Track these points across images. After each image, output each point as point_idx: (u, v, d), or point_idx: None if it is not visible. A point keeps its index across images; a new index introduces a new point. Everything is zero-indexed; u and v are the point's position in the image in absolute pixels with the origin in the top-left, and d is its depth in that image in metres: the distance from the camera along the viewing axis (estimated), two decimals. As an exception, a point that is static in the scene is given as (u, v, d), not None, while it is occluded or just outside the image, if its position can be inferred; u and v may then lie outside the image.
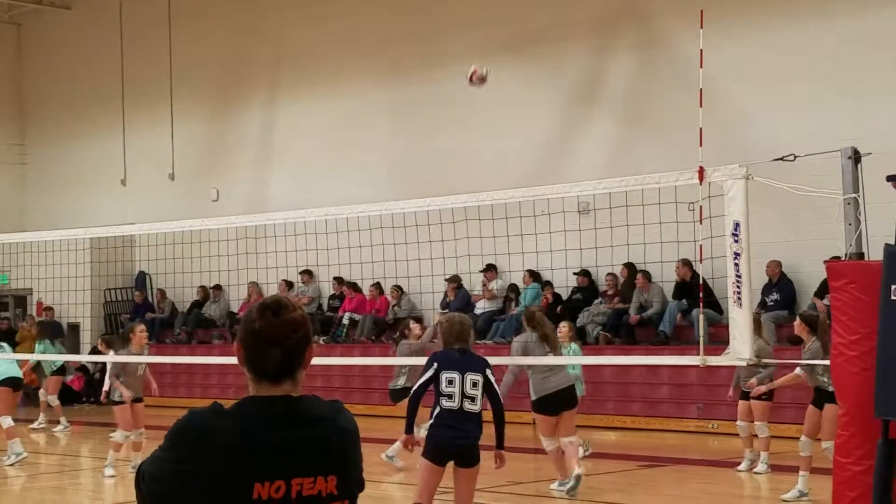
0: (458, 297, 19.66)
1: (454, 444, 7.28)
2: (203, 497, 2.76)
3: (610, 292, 18.25)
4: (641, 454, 14.39)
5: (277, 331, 2.88)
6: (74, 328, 24.22)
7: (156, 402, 22.20)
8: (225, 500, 2.76)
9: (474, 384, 7.33)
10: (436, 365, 7.37)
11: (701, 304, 9.03)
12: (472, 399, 7.32)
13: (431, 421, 7.37)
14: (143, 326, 13.60)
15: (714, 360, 7.99)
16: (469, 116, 20.12)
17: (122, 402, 13.09)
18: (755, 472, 12.45)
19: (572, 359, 12.24)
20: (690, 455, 14.53)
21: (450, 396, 7.25)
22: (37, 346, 17.95)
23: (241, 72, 23.60)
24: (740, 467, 12.67)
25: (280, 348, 2.88)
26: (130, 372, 13.18)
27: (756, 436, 12.56)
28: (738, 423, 12.65)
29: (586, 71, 19.18)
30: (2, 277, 25.29)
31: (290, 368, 2.90)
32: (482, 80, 10.43)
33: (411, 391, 7.59)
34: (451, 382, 7.26)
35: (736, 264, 7.16)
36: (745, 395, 12.44)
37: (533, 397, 11.18)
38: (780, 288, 16.72)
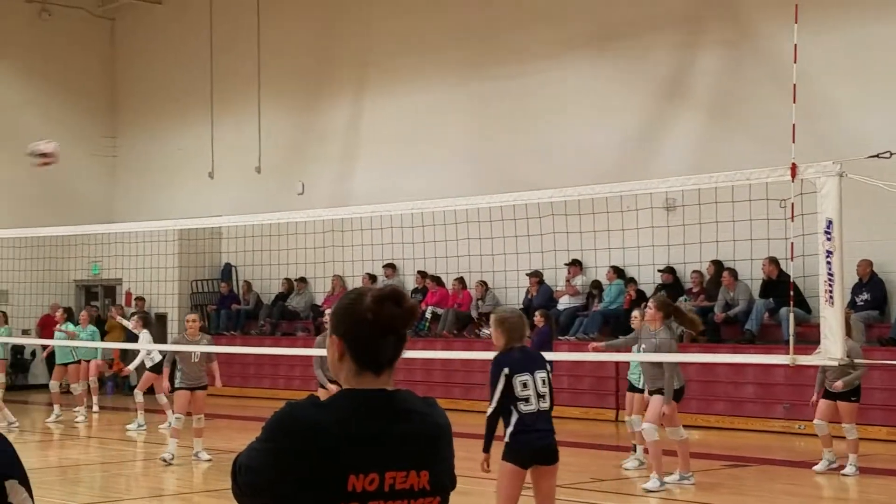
0: (541, 293, 19.61)
1: (538, 444, 7.19)
2: (299, 488, 2.78)
3: (695, 290, 18.07)
4: (725, 454, 14.24)
5: (399, 320, 2.90)
6: (162, 318, 24.65)
7: (241, 393, 22.58)
8: (320, 491, 2.78)
9: (543, 382, 7.24)
10: (507, 370, 7.18)
11: (791, 303, 8.90)
12: (544, 397, 7.23)
13: (511, 428, 7.18)
14: (194, 316, 13.87)
15: (804, 360, 7.88)
16: (554, 111, 20.06)
17: (181, 388, 13.37)
18: (843, 475, 12.25)
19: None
20: (775, 455, 14.34)
21: (526, 400, 7.14)
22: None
23: (327, 66, 23.81)
24: (817, 467, 12.48)
25: (396, 337, 2.91)
26: (185, 359, 13.49)
27: (833, 436, 12.36)
28: (816, 421, 12.42)
29: (673, 65, 19.00)
30: (93, 268, 25.83)
31: (396, 357, 2.93)
32: (45, 157, 10.77)
33: (492, 409, 7.22)
34: (525, 385, 7.15)
35: (828, 262, 7.06)
36: (829, 395, 12.24)
37: (677, 386, 11.41)
38: (870, 288, 16.42)
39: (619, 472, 12.97)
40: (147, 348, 16.98)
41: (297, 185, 23.92)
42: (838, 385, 11.95)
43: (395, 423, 2.86)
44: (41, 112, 26.40)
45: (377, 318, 2.88)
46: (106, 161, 27.73)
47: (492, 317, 7.48)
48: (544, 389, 7.21)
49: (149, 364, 17.06)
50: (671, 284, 18.30)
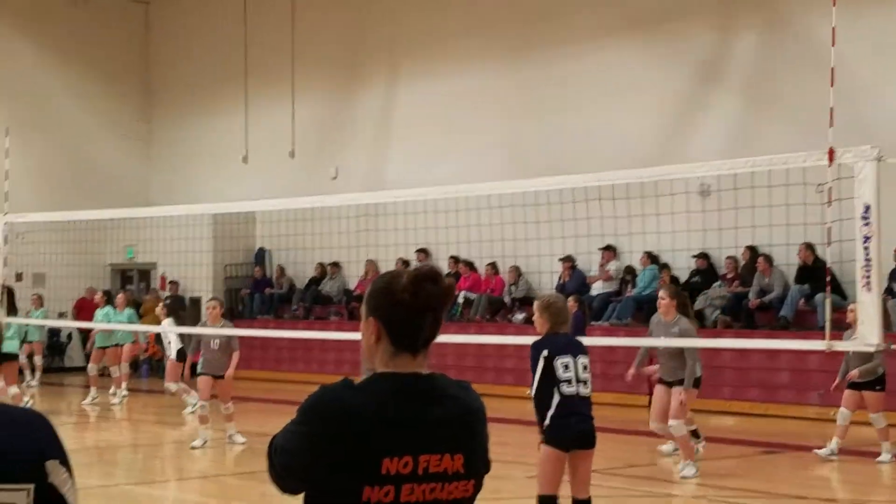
0: (573, 278, 19.56)
1: (579, 428, 7.18)
2: (333, 471, 2.79)
3: (730, 276, 17.96)
4: (760, 440, 14.17)
5: (436, 299, 2.89)
6: (196, 302, 24.79)
7: (274, 377, 22.69)
8: (354, 473, 2.78)
9: (585, 367, 7.23)
10: (546, 352, 7.17)
11: (828, 288, 8.84)
12: (585, 382, 7.22)
13: (552, 411, 7.15)
14: (214, 302, 13.51)
15: (841, 346, 7.82)
16: (589, 95, 19.97)
17: (202, 374, 13.25)
18: (878, 461, 12.16)
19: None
20: (810, 442, 14.25)
21: (569, 381, 7.13)
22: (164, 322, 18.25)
23: (361, 50, 23.81)
24: (820, 451, 12.35)
25: (434, 316, 2.90)
26: (206, 345, 13.37)
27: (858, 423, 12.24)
28: (841, 410, 12.31)
29: (710, 49, 18.87)
30: (128, 251, 26.01)
31: (432, 337, 2.93)
32: None
33: (534, 391, 7.21)
34: (566, 367, 7.14)
35: (866, 248, 6.99)
36: (855, 385, 12.11)
37: (698, 373, 11.28)
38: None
39: (653, 458, 12.93)
40: (171, 330, 16.96)
41: (331, 170, 23.96)
42: (854, 374, 11.82)
43: (429, 407, 2.86)
44: (77, 97, 26.58)
45: (415, 298, 2.87)
46: (140, 145, 27.88)
47: (536, 302, 7.45)
48: (585, 375, 7.21)
49: (171, 354, 17.03)
50: (705, 270, 18.21)
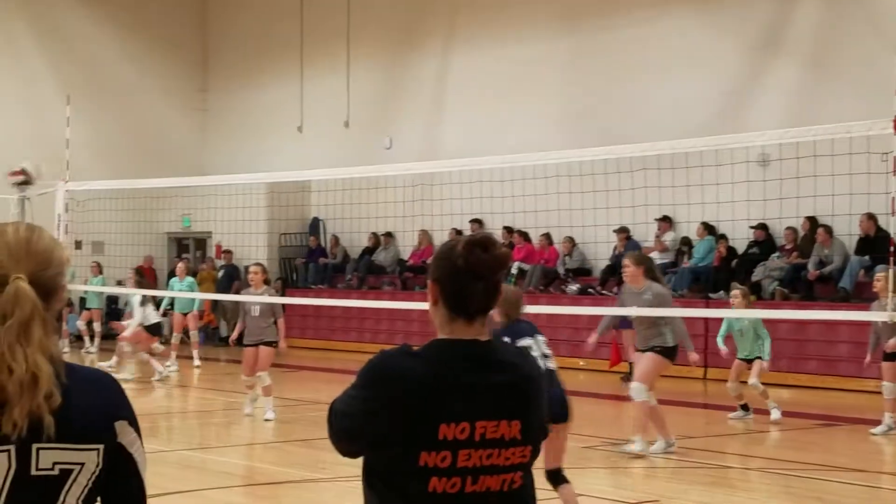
0: (628, 249, 19.42)
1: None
2: (391, 435, 2.81)
3: (788, 247, 17.75)
4: (817, 412, 14.03)
5: (486, 266, 2.89)
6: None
7: (328, 346, 22.82)
8: (412, 438, 2.80)
9: (545, 343, 7.47)
10: (508, 339, 7.03)
11: (892, 259, 8.69)
12: (549, 357, 7.45)
13: None
14: (257, 267, 13.08)
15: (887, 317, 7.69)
16: (647, 63, 19.77)
17: (245, 345, 12.85)
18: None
19: (741, 312, 11.93)
20: (868, 415, 14.09)
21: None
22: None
23: (417, 19, 23.73)
24: (876, 430, 12.10)
25: (485, 283, 2.90)
26: (246, 313, 12.91)
27: None
28: (884, 383, 12.06)
29: (770, 16, 18.58)
30: (184, 220, 26.23)
31: (487, 306, 2.92)
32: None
33: None
34: (530, 348, 7.30)
35: (931, 217, 6.86)
36: (890, 356, 11.85)
37: (671, 343, 10.59)
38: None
39: (706, 430, 12.85)
40: (180, 296, 17.00)
41: (385, 140, 23.96)
42: (891, 344, 11.56)
43: (486, 373, 2.87)
44: (135, 66, 26.77)
45: (466, 264, 2.88)
46: (197, 114, 28.06)
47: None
48: (548, 350, 7.45)
49: (146, 323, 17.06)
50: (763, 241, 18.01)
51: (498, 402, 2.85)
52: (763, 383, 13.00)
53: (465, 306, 2.90)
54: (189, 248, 27.09)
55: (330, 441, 2.94)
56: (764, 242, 17.96)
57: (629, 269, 10.31)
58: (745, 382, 12.89)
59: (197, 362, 19.21)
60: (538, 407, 2.95)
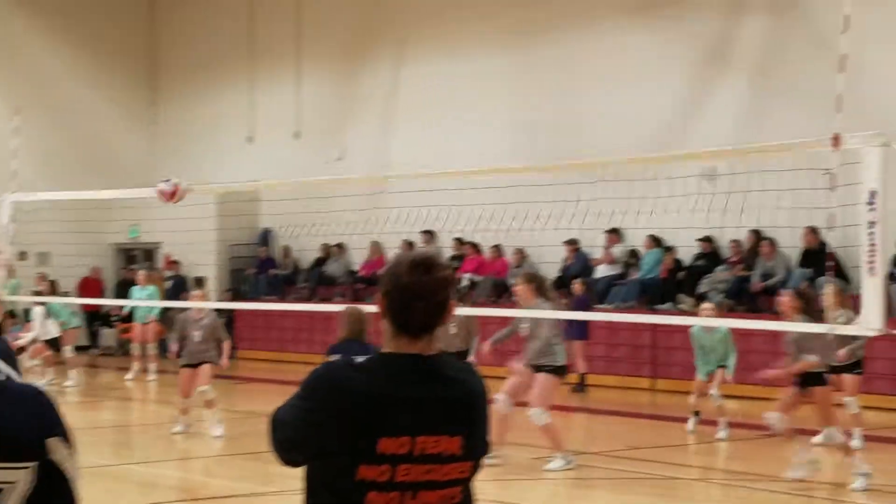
0: (577, 260, 19.57)
1: None
2: (332, 447, 2.82)
3: (734, 259, 17.98)
4: (762, 423, 14.20)
5: (426, 288, 2.89)
6: (200, 282, 24.83)
7: (279, 358, 22.74)
8: (352, 451, 2.81)
9: None
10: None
11: (831, 273, 8.86)
12: None
13: None
14: (201, 293, 13.02)
15: (843, 330, 7.84)
16: (595, 77, 19.94)
17: (183, 367, 12.72)
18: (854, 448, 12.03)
19: (688, 320, 12.02)
20: (814, 425, 14.28)
21: None
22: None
23: (367, 31, 23.76)
24: (816, 438, 12.14)
25: (425, 304, 2.90)
26: (188, 339, 12.71)
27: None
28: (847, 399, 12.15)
29: (717, 32, 18.82)
30: (132, 231, 26.04)
31: (430, 325, 2.92)
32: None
33: None
34: None
35: (871, 233, 7.01)
36: (833, 368, 11.92)
37: (560, 363, 10.62)
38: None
39: (655, 440, 12.98)
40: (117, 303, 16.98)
41: (336, 151, 23.95)
42: (842, 354, 11.69)
43: (428, 388, 2.88)
44: (82, 77, 26.56)
45: (407, 284, 2.89)
46: (145, 125, 27.88)
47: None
48: None
49: (44, 337, 16.96)
50: (709, 253, 18.22)
51: (440, 418, 2.86)
52: (703, 393, 13.09)
53: (407, 324, 2.90)
54: (137, 260, 26.89)
55: (271, 450, 2.96)
56: (710, 255, 18.18)
57: (518, 288, 10.38)
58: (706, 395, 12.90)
59: (152, 376, 19.01)
60: (481, 423, 2.96)
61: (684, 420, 13.43)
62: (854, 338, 10.72)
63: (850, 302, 11.58)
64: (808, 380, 9.57)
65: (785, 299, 9.96)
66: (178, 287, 23.85)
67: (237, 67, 25.36)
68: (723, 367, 12.83)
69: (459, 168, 14.31)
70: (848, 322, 10.55)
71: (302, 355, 22.27)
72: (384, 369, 2.88)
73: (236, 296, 24.16)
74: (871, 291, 7.10)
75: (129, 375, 18.78)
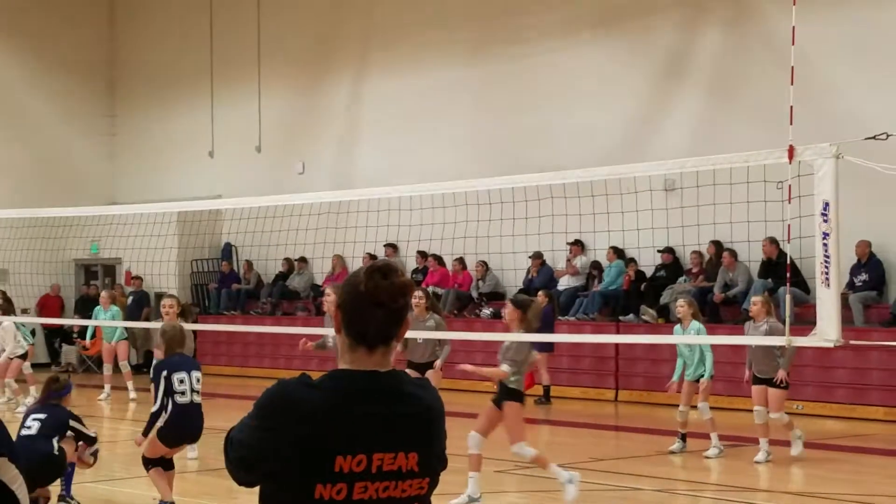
0: (541, 273, 19.67)
1: (190, 430, 9.17)
2: (286, 466, 2.81)
3: (695, 270, 18.11)
4: (724, 433, 14.29)
5: (385, 293, 2.87)
6: (161, 298, 24.68)
7: (242, 373, 22.63)
8: (308, 470, 2.80)
9: (197, 380, 9.08)
10: (165, 372, 8.96)
11: (788, 284, 8.94)
12: (197, 392, 9.10)
13: (166, 416, 8.94)
14: (170, 300, 12.39)
15: (801, 341, 7.91)
16: (555, 92, 20.05)
17: None
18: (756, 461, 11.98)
19: (437, 333, 12.13)
20: (774, 436, 14.39)
21: (182, 393, 8.95)
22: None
23: (328, 46, 23.76)
24: (757, 457, 11.94)
25: (384, 311, 2.87)
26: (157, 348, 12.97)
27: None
28: (756, 408, 12.06)
29: (675, 46, 18.98)
30: (92, 247, 25.86)
31: (388, 335, 2.90)
32: None
33: (157, 406, 8.97)
34: (181, 381, 8.96)
35: (825, 244, 7.08)
36: (759, 380, 11.93)
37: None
38: (869, 268, 16.45)
39: (617, 452, 13.02)
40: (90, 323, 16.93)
41: (298, 165, 23.91)
42: (781, 375, 11.62)
43: (384, 405, 2.86)
44: (41, 92, 26.38)
45: (365, 290, 2.87)
46: (105, 140, 27.72)
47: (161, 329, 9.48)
48: (198, 386, 9.08)
49: (19, 352, 16.93)
50: (670, 265, 18.35)
51: (396, 434, 2.85)
52: (664, 404, 13.07)
53: (364, 334, 2.88)
54: (98, 275, 26.70)
55: (227, 469, 2.93)
56: (671, 266, 18.31)
57: (508, 310, 9.97)
58: (695, 407, 12.76)
59: (133, 394, 18.72)
60: (438, 438, 2.95)
61: (648, 431, 13.46)
62: (781, 349, 10.61)
63: (776, 312, 11.60)
64: (503, 394, 9.28)
65: (507, 310, 9.67)
66: (140, 303, 23.71)
67: (198, 82, 25.28)
68: (702, 376, 12.56)
69: (421, 182, 14.33)
70: (771, 332, 10.62)
71: (266, 370, 22.20)
72: (338, 386, 2.86)
73: (199, 311, 24.03)
74: (827, 302, 7.17)
75: (102, 396, 18.65)
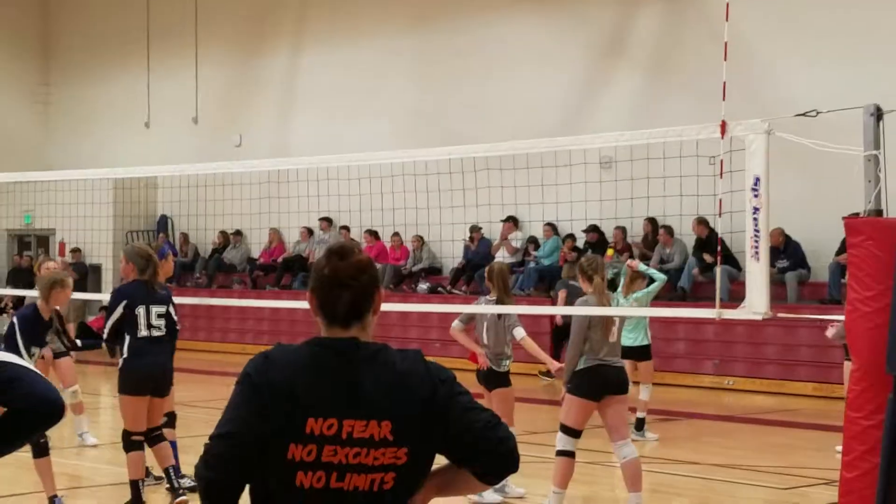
0: (482, 245, 19.73)
1: (151, 370, 8.25)
2: (261, 420, 2.88)
3: (619, 247, 18.14)
4: (655, 408, 14.44)
5: (345, 273, 2.98)
6: (97, 269, 24.41)
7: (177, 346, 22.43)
8: (282, 428, 2.86)
9: (158, 315, 8.23)
10: (125, 301, 8.15)
11: (719, 257, 9.04)
12: (159, 327, 8.22)
13: (125, 354, 8.16)
14: (53, 263, 11.14)
15: (729, 314, 8.00)
16: (493, 66, 20.06)
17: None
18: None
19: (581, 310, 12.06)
20: (705, 410, 14.60)
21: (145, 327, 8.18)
22: None
23: (265, 16, 23.55)
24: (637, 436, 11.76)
25: (349, 291, 2.98)
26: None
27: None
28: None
29: (613, 22, 19.07)
30: (26, 217, 25.47)
31: (358, 312, 2.99)
32: None
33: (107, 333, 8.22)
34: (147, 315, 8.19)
35: (755, 219, 7.14)
36: (627, 354, 11.39)
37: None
38: (788, 254, 16.66)
39: (552, 425, 13.10)
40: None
41: (235, 137, 23.72)
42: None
43: (359, 373, 2.91)
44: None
45: (327, 273, 2.98)
46: (39, 108, 27.28)
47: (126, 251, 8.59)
48: (159, 321, 8.22)
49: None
50: (596, 243, 18.33)
51: (368, 403, 2.88)
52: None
53: (334, 313, 2.98)
54: (31, 246, 26.33)
55: (201, 476, 2.91)
56: (596, 244, 18.31)
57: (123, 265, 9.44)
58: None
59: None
60: (414, 407, 2.91)
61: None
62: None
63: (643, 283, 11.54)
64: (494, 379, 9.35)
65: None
66: (81, 276, 23.42)
67: (134, 51, 24.94)
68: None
69: (358, 153, 14.28)
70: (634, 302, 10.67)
71: (200, 343, 22.04)
72: (314, 352, 2.95)
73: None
74: (756, 275, 7.25)
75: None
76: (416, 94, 21.07)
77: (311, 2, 22.92)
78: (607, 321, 8.10)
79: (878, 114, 6.50)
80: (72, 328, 12.25)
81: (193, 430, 10.98)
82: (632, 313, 10.81)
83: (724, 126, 7.55)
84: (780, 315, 8.66)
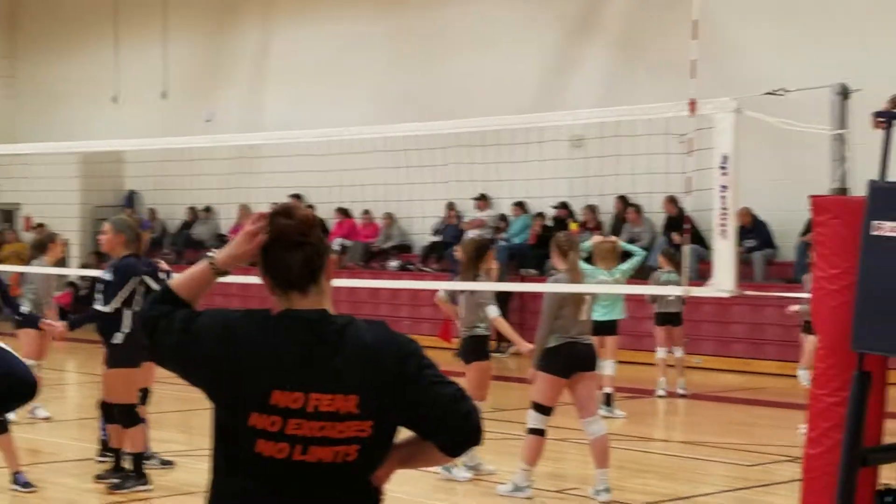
0: (453, 224, 19.73)
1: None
2: (226, 390, 2.86)
3: (590, 225, 18.18)
4: (625, 385, 14.52)
5: (292, 231, 2.89)
6: (63, 244, 24.20)
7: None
8: (244, 400, 2.83)
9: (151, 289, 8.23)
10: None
11: (688, 234, 9.08)
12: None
13: (127, 330, 8.22)
14: (108, 226, 11.43)
15: (697, 291, 8.04)
16: (465, 44, 20.01)
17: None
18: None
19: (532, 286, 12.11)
20: (673, 388, 14.67)
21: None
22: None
23: (236, -10, 23.37)
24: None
25: (301, 251, 2.89)
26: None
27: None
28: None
29: (583, 0, 19.04)
30: (-9, 191, 25.26)
31: (313, 274, 2.90)
32: None
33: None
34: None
35: (723, 197, 7.17)
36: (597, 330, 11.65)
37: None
38: (756, 234, 16.77)
39: (521, 402, 13.14)
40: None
41: (205, 112, 23.56)
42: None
43: (325, 346, 2.85)
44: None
45: (273, 233, 2.89)
46: (4, 81, 27.00)
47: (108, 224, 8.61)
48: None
49: None
50: (565, 220, 18.34)
51: (335, 376, 2.83)
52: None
53: (288, 277, 2.88)
54: (-4, 220, 26.12)
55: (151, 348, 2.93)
56: (564, 221, 18.33)
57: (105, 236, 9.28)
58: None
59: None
60: (382, 380, 2.87)
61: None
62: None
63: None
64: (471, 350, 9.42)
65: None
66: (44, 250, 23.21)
67: (102, 24, 24.70)
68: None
69: (329, 128, 14.22)
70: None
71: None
72: (282, 323, 2.87)
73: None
74: (723, 253, 7.29)
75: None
76: (387, 71, 20.99)
77: (281, -24, 22.77)
78: (579, 299, 8.13)
79: (845, 93, 6.53)
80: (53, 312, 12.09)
81: (164, 406, 10.97)
82: (600, 290, 10.82)
83: (693, 104, 7.56)
84: (747, 293, 8.71)
